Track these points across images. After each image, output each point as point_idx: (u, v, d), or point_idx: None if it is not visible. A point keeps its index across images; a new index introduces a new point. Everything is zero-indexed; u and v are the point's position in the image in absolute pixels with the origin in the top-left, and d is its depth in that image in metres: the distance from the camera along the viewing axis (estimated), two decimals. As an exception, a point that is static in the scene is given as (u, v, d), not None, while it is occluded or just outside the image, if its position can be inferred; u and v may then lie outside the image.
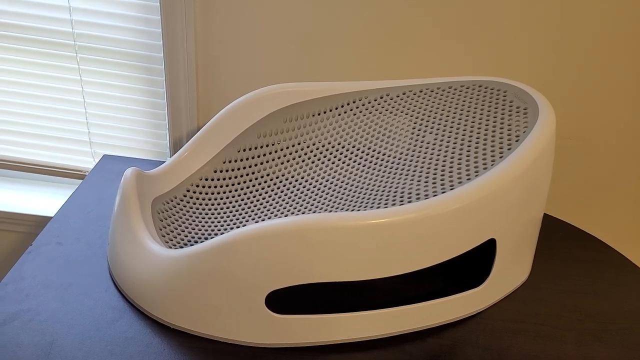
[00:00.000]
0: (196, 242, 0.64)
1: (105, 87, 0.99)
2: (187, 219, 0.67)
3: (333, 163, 0.72)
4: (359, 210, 0.60)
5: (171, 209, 0.67)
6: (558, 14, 0.77)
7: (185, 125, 0.99)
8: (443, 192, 0.54)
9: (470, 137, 0.62)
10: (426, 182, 0.58)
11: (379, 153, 0.70)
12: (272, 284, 0.50)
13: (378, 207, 0.59)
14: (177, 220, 0.66)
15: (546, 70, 0.81)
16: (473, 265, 0.60)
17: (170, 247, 0.61)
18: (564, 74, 0.81)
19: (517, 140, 0.57)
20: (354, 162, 0.71)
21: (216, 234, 0.66)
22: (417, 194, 0.57)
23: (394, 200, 0.58)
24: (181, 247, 0.62)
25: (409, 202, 0.56)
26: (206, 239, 0.65)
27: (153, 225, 0.60)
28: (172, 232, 0.64)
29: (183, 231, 0.65)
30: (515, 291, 0.66)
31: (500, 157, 0.56)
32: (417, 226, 0.51)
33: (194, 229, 0.66)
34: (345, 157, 0.72)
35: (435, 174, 0.59)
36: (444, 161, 0.61)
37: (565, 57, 0.80)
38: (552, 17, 0.77)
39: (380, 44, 0.81)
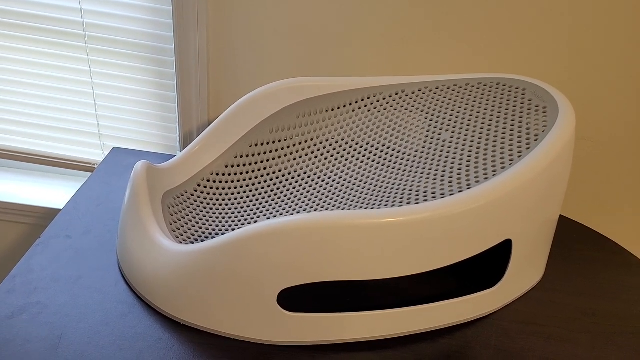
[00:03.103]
0: (207, 237, 0.63)
1: (114, 79, 0.98)
2: (198, 214, 0.66)
3: (346, 160, 0.71)
4: (372, 208, 0.59)
5: (182, 204, 0.66)
6: (574, 11, 0.75)
7: (196, 119, 0.98)
8: (460, 191, 0.53)
9: (487, 135, 0.61)
10: (442, 180, 0.57)
11: (393, 150, 0.69)
12: (284, 282, 0.49)
13: (392, 206, 0.58)
14: (187, 215, 0.65)
15: (561, 69, 0.80)
16: (487, 266, 0.59)
17: (181, 242, 0.60)
18: (579, 72, 0.80)
19: (536, 140, 0.56)
20: (368, 159, 0.70)
21: (227, 230, 0.65)
22: (433, 193, 0.56)
23: (408, 199, 0.57)
24: (192, 243, 0.61)
25: (425, 201, 0.55)
26: (217, 234, 0.64)
27: (163, 219, 0.60)
28: (183, 227, 0.63)
29: (194, 226, 0.64)
30: (529, 292, 0.65)
31: (519, 157, 0.55)
32: (432, 226, 0.49)
33: (204, 224, 0.65)
34: (359, 154, 0.71)
35: (451, 172, 0.58)
36: (460, 160, 0.59)
37: (580, 56, 0.78)
38: (568, 15, 0.76)
39: (395, 40, 0.80)
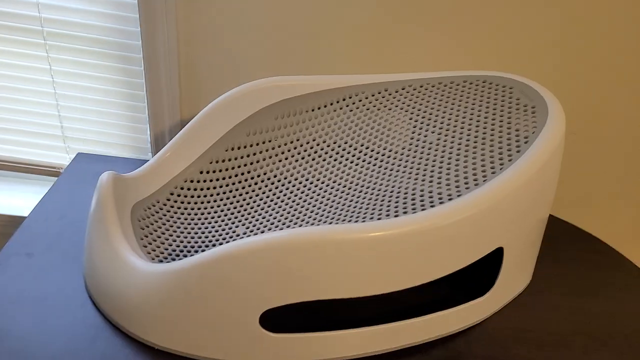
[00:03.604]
0: (181, 251, 0.59)
1: (77, 78, 0.92)
2: (171, 226, 0.62)
3: (329, 164, 0.67)
4: (357, 217, 0.56)
5: (153, 215, 0.62)
6: (560, 5, 0.73)
7: (168, 119, 0.93)
8: (450, 198, 0.51)
9: (475, 137, 0.58)
10: (430, 185, 0.54)
11: (377, 153, 0.65)
12: (267, 302, 0.46)
13: (379, 214, 0.55)
14: (159, 228, 0.61)
15: (547, 64, 0.78)
16: (476, 272, 0.56)
17: (153, 259, 0.56)
18: (564, 67, 0.78)
19: (526, 142, 0.53)
20: (351, 162, 0.66)
21: (203, 242, 0.61)
22: (422, 200, 0.53)
23: (396, 207, 0.54)
24: (165, 259, 0.57)
25: (413, 210, 0.52)
26: (192, 248, 0.60)
27: (133, 234, 0.55)
28: (155, 241, 0.59)
29: (167, 239, 0.60)
30: (518, 296, 0.63)
31: (510, 160, 0.52)
32: (422, 238, 0.47)
33: (178, 237, 0.61)
34: (342, 157, 0.67)
35: (439, 176, 0.55)
36: (448, 163, 0.57)
37: (567, 51, 0.77)
38: (553, 10, 0.73)
39: (377, 35, 0.76)
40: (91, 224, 0.55)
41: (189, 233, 0.62)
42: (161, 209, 0.63)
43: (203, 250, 0.59)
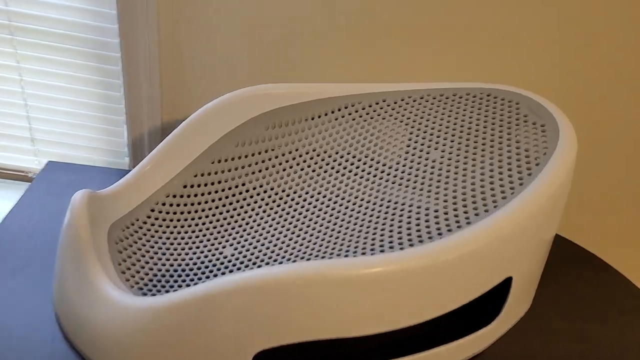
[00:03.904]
0: (163, 276, 0.54)
1: (49, 76, 0.85)
2: (152, 247, 0.57)
3: (323, 178, 0.63)
4: (356, 243, 0.52)
5: (132, 235, 0.56)
6: (565, 16, 0.70)
7: (147, 123, 0.87)
8: (458, 226, 0.47)
9: (482, 156, 0.54)
10: (436, 210, 0.51)
11: (375, 169, 0.61)
12: (260, 343, 0.42)
13: (381, 239, 0.51)
14: (139, 250, 0.55)
15: (550, 76, 0.75)
16: (481, 302, 0.53)
17: (133, 287, 0.51)
18: (568, 75, 0.75)
19: (537, 164, 0.50)
20: (347, 177, 0.62)
21: (187, 265, 0.56)
22: (427, 226, 0.49)
23: (399, 231, 0.51)
24: (146, 286, 0.52)
25: (419, 237, 0.48)
26: (175, 271, 0.55)
27: (110, 260, 0.50)
28: (134, 265, 0.54)
29: (147, 263, 0.55)
30: (521, 319, 0.61)
31: (521, 185, 0.49)
32: (429, 274, 0.43)
33: (160, 259, 0.56)
34: (337, 171, 0.63)
35: (445, 200, 0.51)
36: (454, 185, 0.53)
37: (571, 62, 0.74)
38: (559, 20, 0.70)
39: (376, 43, 0.72)
40: (62, 250, 0.50)
41: (172, 255, 0.57)
42: (140, 227, 0.58)
43: (188, 276, 0.55)
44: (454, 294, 0.45)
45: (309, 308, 0.41)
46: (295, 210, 0.61)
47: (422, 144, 0.60)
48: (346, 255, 0.51)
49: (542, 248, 0.52)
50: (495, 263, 0.46)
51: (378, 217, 0.55)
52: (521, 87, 0.61)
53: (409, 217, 0.52)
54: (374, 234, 0.53)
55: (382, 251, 0.49)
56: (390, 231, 0.52)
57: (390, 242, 0.49)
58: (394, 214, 0.54)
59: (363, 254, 0.50)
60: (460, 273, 0.44)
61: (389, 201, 0.57)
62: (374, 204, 0.58)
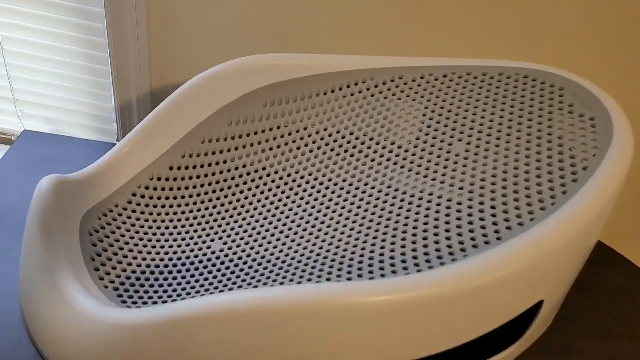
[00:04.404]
0: (143, 273, 0.48)
1: (27, 32, 0.77)
2: (132, 238, 0.50)
3: (327, 166, 0.55)
4: (363, 250, 0.45)
5: (110, 225, 0.50)
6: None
7: (135, 88, 0.79)
8: (486, 242, 0.40)
9: (517, 154, 0.46)
10: (458, 220, 0.43)
11: (389, 157, 0.54)
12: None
13: (392, 253, 0.44)
14: (117, 242, 0.49)
15: (602, 57, 0.65)
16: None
17: (107, 287, 0.45)
18: (626, 62, 0.65)
19: (585, 169, 0.42)
20: (355, 163, 0.54)
21: (171, 260, 0.50)
22: (448, 240, 0.42)
23: (414, 243, 0.43)
24: (122, 285, 0.46)
25: (439, 257, 0.41)
26: (157, 267, 0.49)
27: (81, 257, 0.43)
28: (110, 261, 0.47)
29: (125, 257, 0.48)
30: (539, 337, 0.54)
31: (564, 193, 0.41)
32: (450, 303, 0.36)
33: (140, 253, 0.49)
34: (344, 157, 0.55)
35: (471, 205, 0.44)
36: (481, 187, 0.45)
37: (630, 42, 0.64)
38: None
39: (394, 9, 0.62)
40: (26, 245, 0.43)
41: (154, 248, 0.50)
42: (120, 215, 0.51)
43: (171, 274, 0.48)
44: (476, 323, 0.38)
45: (306, 344, 0.34)
46: (295, 201, 0.54)
47: (444, 133, 0.52)
48: (350, 267, 0.44)
49: (579, 266, 0.45)
50: (527, 289, 0.39)
51: (390, 213, 0.48)
52: (566, 69, 0.52)
53: (426, 217, 0.45)
54: (384, 235, 0.45)
55: (392, 267, 0.42)
56: (404, 234, 0.44)
57: (403, 255, 0.42)
58: (409, 210, 0.47)
59: (370, 267, 0.43)
60: (484, 303, 0.37)
61: (404, 193, 0.50)
62: (386, 194, 0.50)
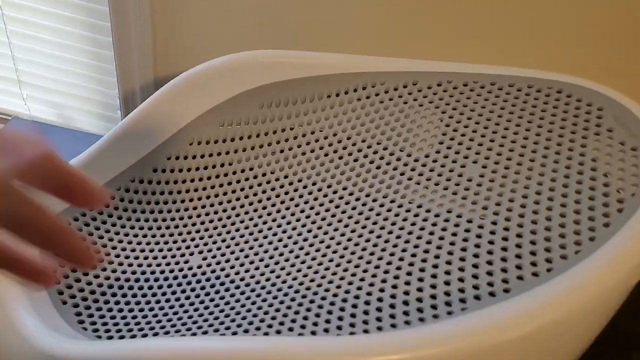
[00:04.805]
0: (110, 287, 0.44)
1: (32, 13, 0.74)
2: (104, 246, 0.46)
3: (331, 175, 0.49)
4: (361, 280, 0.39)
5: (85, 227, 0.46)
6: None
7: (138, 74, 0.75)
8: (506, 290, 0.34)
9: (539, 184, 0.39)
10: (475, 256, 0.37)
11: (402, 173, 0.47)
12: None
13: (407, 285, 0.38)
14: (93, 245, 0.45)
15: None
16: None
17: (65, 303, 0.40)
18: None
19: (620, 210, 0.35)
20: (361, 173, 0.48)
21: (144, 274, 0.45)
22: (461, 279, 0.36)
23: (420, 276, 0.37)
24: (84, 301, 0.42)
25: (447, 299, 0.35)
26: (127, 281, 0.44)
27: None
28: (74, 271, 0.43)
29: (97, 277, 0.44)
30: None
31: (591, 240, 0.34)
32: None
33: (110, 263, 0.45)
34: (348, 165, 0.49)
35: (491, 243, 0.37)
36: (507, 218, 0.39)
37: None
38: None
39: (413, 8, 0.55)
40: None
41: (127, 258, 0.46)
42: (94, 219, 0.47)
43: (141, 290, 0.44)
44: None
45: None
46: (287, 216, 0.48)
47: (458, 152, 0.45)
48: (354, 306, 0.38)
49: (603, 324, 0.38)
50: (558, 347, 0.33)
51: (398, 238, 0.42)
52: (607, 85, 0.44)
53: (438, 248, 0.39)
54: (388, 266, 0.39)
55: (405, 306, 0.36)
56: (416, 266, 0.38)
57: (406, 293, 0.36)
58: (419, 237, 0.41)
59: (378, 311, 0.36)
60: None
61: (416, 212, 0.44)
62: (396, 214, 0.44)
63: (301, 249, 0.45)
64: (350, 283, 0.39)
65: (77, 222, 0.46)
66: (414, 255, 0.40)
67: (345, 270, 0.42)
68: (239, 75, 0.50)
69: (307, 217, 0.47)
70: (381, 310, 0.36)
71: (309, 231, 0.46)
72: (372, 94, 0.51)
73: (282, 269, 0.44)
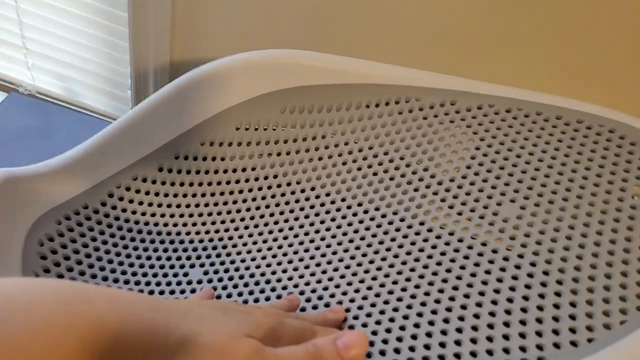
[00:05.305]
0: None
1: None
2: (97, 250, 0.42)
3: (355, 191, 0.45)
4: (385, 332, 0.36)
5: (71, 231, 0.42)
6: None
7: (153, 55, 0.70)
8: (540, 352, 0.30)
9: (582, 244, 0.35)
10: (507, 313, 0.33)
11: (435, 194, 0.43)
12: None
13: (430, 327, 0.34)
14: (76, 253, 0.41)
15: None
16: None
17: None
18: None
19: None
20: (388, 191, 0.44)
21: (137, 284, 0.42)
22: (489, 343, 0.32)
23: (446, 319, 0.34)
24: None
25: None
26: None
27: (20, 274, 0.36)
28: (62, 277, 0.39)
29: (82, 274, 0.40)
30: None
31: (639, 309, 0.30)
32: None
33: (102, 270, 0.41)
34: (374, 181, 0.45)
35: (527, 299, 0.33)
36: (528, 276, 0.35)
37: None
38: None
39: (463, 19, 0.51)
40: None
41: (121, 265, 0.42)
42: (88, 218, 0.43)
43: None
44: None
45: None
46: (299, 234, 0.44)
47: (494, 187, 0.41)
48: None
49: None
50: None
51: (428, 263, 0.38)
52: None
53: (466, 298, 0.35)
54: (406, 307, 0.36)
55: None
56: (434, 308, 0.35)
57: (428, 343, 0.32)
58: (453, 261, 0.37)
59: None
60: None
61: (454, 239, 0.40)
62: (412, 242, 0.40)
63: (309, 273, 0.41)
64: (373, 328, 0.36)
65: (68, 220, 0.42)
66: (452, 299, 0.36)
67: (361, 305, 0.38)
68: (261, 76, 0.46)
69: (319, 239, 0.43)
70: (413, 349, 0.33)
71: (320, 253, 0.42)
72: (406, 109, 0.47)
73: (296, 286, 0.40)
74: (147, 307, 0.24)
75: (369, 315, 0.36)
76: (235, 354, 0.23)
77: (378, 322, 0.35)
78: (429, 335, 0.33)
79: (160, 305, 0.25)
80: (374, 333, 0.34)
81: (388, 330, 0.34)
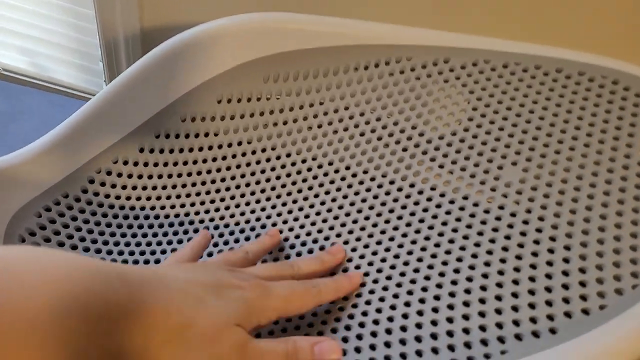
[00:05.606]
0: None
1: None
2: (82, 240, 0.40)
3: (352, 156, 0.43)
4: (380, 302, 0.35)
5: (53, 223, 0.40)
6: None
7: (122, 22, 0.66)
8: (553, 331, 0.29)
9: (589, 207, 0.34)
10: (515, 282, 0.32)
11: (432, 154, 0.42)
12: None
13: (436, 300, 0.33)
14: (61, 245, 0.39)
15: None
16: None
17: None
18: None
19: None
20: (383, 159, 0.43)
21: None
22: (498, 315, 0.31)
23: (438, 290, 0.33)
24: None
25: (484, 346, 0.31)
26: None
27: None
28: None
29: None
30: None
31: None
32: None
33: (103, 260, 0.40)
34: (368, 148, 0.43)
35: (534, 269, 0.32)
36: (535, 243, 0.34)
37: None
38: None
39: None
40: None
41: (109, 254, 0.41)
42: (70, 208, 0.41)
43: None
44: None
45: None
46: (298, 207, 0.42)
47: (493, 150, 0.39)
48: (360, 335, 0.33)
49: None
50: None
51: (432, 226, 0.37)
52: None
53: (456, 275, 0.34)
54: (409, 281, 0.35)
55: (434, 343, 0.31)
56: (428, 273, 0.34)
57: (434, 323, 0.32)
58: (444, 223, 0.36)
59: (388, 333, 0.32)
60: None
61: (452, 201, 0.39)
62: (412, 210, 0.39)
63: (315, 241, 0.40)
64: (367, 300, 0.35)
65: (49, 212, 0.40)
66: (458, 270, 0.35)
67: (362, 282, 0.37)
68: (241, 43, 0.43)
69: (315, 213, 0.42)
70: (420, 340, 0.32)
71: (320, 224, 0.41)
72: (397, 70, 0.44)
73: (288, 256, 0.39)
74: (141, 280, 0.24)
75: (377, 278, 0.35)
76: (220, 346, 0.25)
77: (380, 271, 0.34)
78: (436, 298, 0.33)
79: (152, 279, 0.25)
80: (367, 274, 0.35)
81: (379, 270, 0.35)
